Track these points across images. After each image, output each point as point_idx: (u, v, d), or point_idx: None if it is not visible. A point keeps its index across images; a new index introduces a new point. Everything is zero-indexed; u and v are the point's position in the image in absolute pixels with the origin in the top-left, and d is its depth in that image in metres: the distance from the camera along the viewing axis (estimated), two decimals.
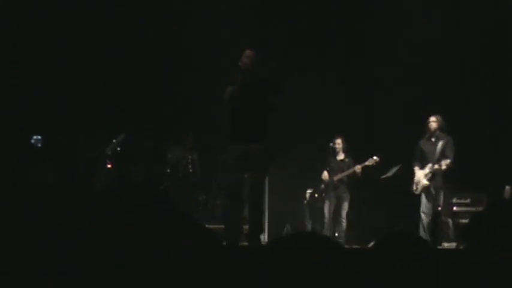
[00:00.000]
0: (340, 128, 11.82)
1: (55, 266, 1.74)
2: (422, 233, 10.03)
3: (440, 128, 10.20)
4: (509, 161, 10.96)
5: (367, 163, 11.30)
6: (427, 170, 10.18)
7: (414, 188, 10.32)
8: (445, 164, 9.99)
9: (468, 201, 11.04)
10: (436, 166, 10.05)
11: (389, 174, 11.39)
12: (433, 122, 10.22)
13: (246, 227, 8.84)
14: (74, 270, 1.75)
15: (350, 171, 11.40)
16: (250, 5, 12.51)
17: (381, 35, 12.32)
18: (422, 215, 10.17)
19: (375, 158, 11.26)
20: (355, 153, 11.62)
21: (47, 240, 1.76)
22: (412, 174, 10.47)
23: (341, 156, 11.60)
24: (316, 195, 11.82)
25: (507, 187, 10.42)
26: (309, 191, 12.02)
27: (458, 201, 10.62)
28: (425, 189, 10.20)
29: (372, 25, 12.42)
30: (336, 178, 11.41)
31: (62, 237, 1.77)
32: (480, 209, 10.38)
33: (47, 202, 1.86)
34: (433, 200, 10.19)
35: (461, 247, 8.79)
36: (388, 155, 11.48)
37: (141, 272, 1.80)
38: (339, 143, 11.51)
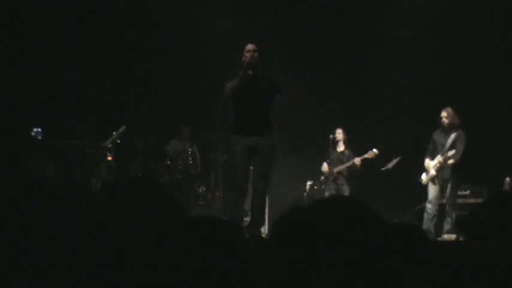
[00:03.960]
0: (340, 120, 11.82)
1: (54, 263, 1.74)
2: (426, 224, 10.02)
3: (451, 122, 10.15)
4: (509, 153, 10.96)
5: (366, 155, 11.31)
6: (436, 161, 10.18)
7: (422, 177, 10.33)
8: (450, 155, 9.97)
9: (468, 193, 11.04)
10: (443, 158, 10.05)
11: (390, 166, 11.41)
12: (445, 117, 10.16)
13: (246, 219, 8.86)
14: (74, 268, 1.76)
15: (350, 163, 11.41)
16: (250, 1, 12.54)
17: (382, 27, 12.31)
18: (429, 205, 10.15)
19: (374, 150, 11.27)
20: (355, 145, 11.62)
21: (44, 236, 1.77)
22: (416, 164, 10.48)
23: (341, 148, 11.61)
24: (315, 187, 11.83)
25: (507, 179, 10.42)
26: (309, 182, 12.02)
27: (458, 193, 10.60)
28: (433, 180, 10.20)
29: (372, 18, 12.41)
30: (335, 170, 11.42)
31: (59, 234, 1.77)
32: (480, 201, 10.37)
33: (45, 198, 1.86)
34: (439, 191, 10.19)
35: (460, 239, 8.79)
36: (388, 147, 11.49)
37: (141, 267, 1.80)
38: (339, 132, 11.51)
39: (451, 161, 10.00)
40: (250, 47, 7.96)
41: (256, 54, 7.94)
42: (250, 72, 7.90)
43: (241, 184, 7.95)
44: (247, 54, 7.93)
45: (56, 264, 1.76)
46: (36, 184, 1.95)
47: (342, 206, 1.40)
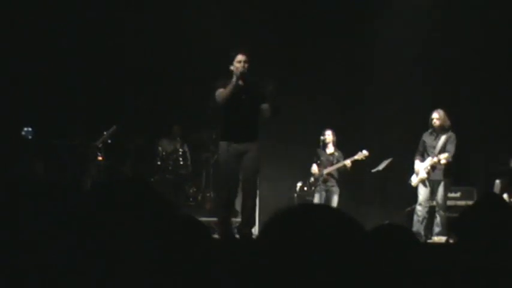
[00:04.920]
0: (330, 122, 11.83)
1: (44, 263, 1.74)
2: (416, 226, 10.02)
3: (442, 123, 10.16)
4: (500, 155, 10.99)
5: (356, 157, 11.30)
6: (426, 163, 10.17)
7: (412, 179, 10.32)
8: (443, 157, 9.97)
9: (458, 195, 11.06)
10: (435, 159, 10.04)
11: (380, 168, 11.42)
12: (436, 118, 10.16)
13: (236, 219, 8.92)
14: (64, 268, 1.75)
15: (340, 164, 11.41)
16: (241, 2, 12.53)
17: (375, 29, 12.32)
18: (419, 207, 10.13)
19: (364, 152, 11.27)
20: (346, 147, 11.63)
21: (35, 236, 1.76)
22: (407, 166, 10.47)
23: (330, 150, 11.61)
24: (305, 188, 11.84)
25: (497, 181, 10.45)
26: (299, 184, 12.04)
27: (449, 195, 10.62)
28: (423, 182, 10.19)
29: (364, 19, 12.42)
30: (325, 171, 11.43)
31: (50, 234, 1.77)
32: (470, 203, 10.38)
33: (36, 197, 1.85)
34: (430, 193, 10.17)
35: (451, 241, 8.81)
36: (378, 149, 11.50)
37: (132, 267, 1.80)
38: (329, 134, 11.53)
39: (443, 161, 9.99)
40: (241, 57, 8.04)
41: (247, 65, 8.06)
42: (241, 82, 8.02)
43: (233, 189, 8.07)
44: (238, 65, 8.01)
45: (46, 263, 1.76)
46: (28, 183, 1.94)
47: (328, 213, 1.41)
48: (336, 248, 1.33)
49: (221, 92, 8.02)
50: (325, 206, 1.47)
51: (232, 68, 8.06)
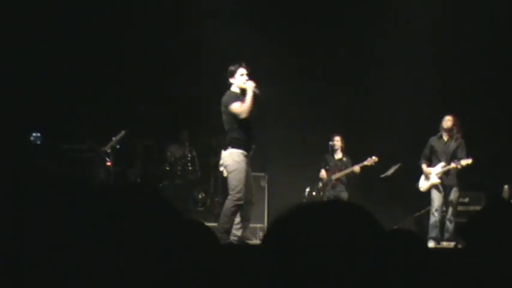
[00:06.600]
0: (339, 127, 11.83)
1: (52, 262, 1.74)
2: (434, 231, 9.95)
3: (454, 129, 10.14)
4: (508, 160, 10.97)
5: (366, 163, 11.30)
6: (439, 168, 10.12)
7: (421, 185, 10.28)
8: (465, 162, 9.92)
9: (467, 200, 11.03)
10: (453, 165, 9.99)
11: (389, 173, 11.40)
12: (449, 121, 10.14)
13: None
14: (70, 267, 1.75)
15: (349, 170, 11.41)
16: (247, 4, 12.54)
17: (381, 34, 12.32)
18: (436, 213, 10.05)
19: (373, 157, 11.26)
20: (355, 152, 11.63)
21: (43, 235, 1.76)
22: (416, 171, 10.43)
23: (339, 155, 11.62)
24: (313, 193, 11.83)
25: (506, 186, 10.42)
26: (307, 189, 12.03)
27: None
28: (437, 187, 10.13)
29: (371, 24, 12.42)
30: (334, 177, 11.43)
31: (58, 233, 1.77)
32: (478, 208, 10.33)
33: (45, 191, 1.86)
34: (443, 198, 10.12)
35: (459, 246, 8.79)
36: (387, 155, 11.49)
37: (138, 270, 1.80)
38: (338, 140, 11.55)
39: (460, 167, 9.96)
40: (243, 70, 8.25)
41: (247, 77, 8.26)
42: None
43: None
44: (247, 77, 8.20)
45: (47, 264, 1.76)
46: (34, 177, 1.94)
47: (340, 210, 1.41)
48: (346, 246, 1.33)
49: (244, 106, 8.09)
50: (337, 201, 1.46)
51: (233, 81, 8.24)
